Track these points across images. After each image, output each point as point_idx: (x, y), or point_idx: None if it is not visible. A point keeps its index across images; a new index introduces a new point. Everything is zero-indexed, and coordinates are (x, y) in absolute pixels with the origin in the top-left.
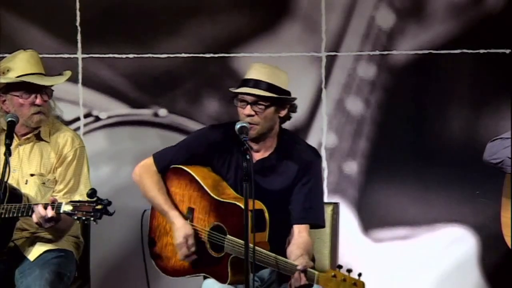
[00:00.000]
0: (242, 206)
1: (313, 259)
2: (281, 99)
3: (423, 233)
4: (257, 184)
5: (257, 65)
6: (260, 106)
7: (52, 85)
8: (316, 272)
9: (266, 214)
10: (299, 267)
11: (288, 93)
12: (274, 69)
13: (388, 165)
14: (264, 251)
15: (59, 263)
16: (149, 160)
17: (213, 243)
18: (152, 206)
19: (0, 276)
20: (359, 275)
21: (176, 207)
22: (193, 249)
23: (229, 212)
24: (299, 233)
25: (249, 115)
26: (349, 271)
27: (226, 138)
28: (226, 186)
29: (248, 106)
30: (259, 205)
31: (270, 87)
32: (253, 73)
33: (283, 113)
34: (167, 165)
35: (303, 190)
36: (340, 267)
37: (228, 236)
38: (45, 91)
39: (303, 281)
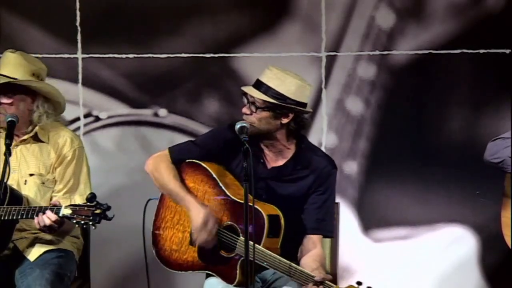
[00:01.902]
0: (261, 211)
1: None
2: (278, 104)
3: (423, 233)
4: (272, 190)
5: (269, 66)
6: (255, 107)
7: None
8: (334, 286)
9: (282, 221)
10: (316, 278)
11: (292, 101)
12: (282, 74)
13: (388, 165)
14: (278, 257)
15: (59, 263)
16: (164, 152)
17: (224, 243)
18: (163, 195)
19: (0, 276)
20: None
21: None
22: (214, 231)
23: (243, 213)
24: (313, 243)
25: (245, 113)
26: (359, 283)
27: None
28: (240, 186)
29: (248, 105)
30: (275, 210)
31: (265, 89)
32: (261, 75)
33: (284, 120)
34: (182, 159)
35: (318, 200)
36: (359, 283)
37: (241, 237)
38: (11, 94)
39: None
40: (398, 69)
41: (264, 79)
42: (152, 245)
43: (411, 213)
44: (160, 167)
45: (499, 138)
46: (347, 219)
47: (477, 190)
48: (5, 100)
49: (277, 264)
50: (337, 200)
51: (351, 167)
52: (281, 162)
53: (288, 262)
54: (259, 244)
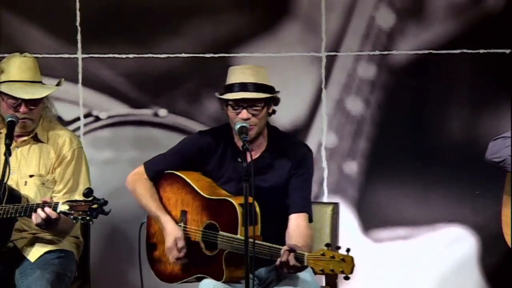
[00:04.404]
0: (232, 201)
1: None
2: (273, 97)
3: (423, 233)
4: (255, 184)
5: (238, 67)
6: (257, 108)
7: (28, 99)
8: (305, 253)
9: (257, 208)
10: (285, 247)
11: (272, 87)
12: (255, 68)
13: (388, 165)
14: (257, 241)
15: (60, 264)
16: (141, 169)
17: (207, 242)
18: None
19: (0, 276)
20: (347, 250)
21: (168, 212)
22: (183, 252)
23: (220, 208)
24: (297, 224)
25: (247, 119)
26: (338, 248)
27: (217, 142)
28: (218, 187)
29: (244, 110)
30: (249, 199)
31: (260, 87)
32: (238, 77)
33: (271, 109)
34: (158, 172)
35: (298, 182)
36: (328, 245)
37: (221, 232)
38: (32, 99)
39: (292, 262)
40: (398, 69)
41: (250, 79)
42: (148, 263)
43: (411, 213)
44: (137, 189)
45: (500, 137)
46: (347, 219)
47: (477, 190)
48: (32, 106)
49: (257, 249)
50: (337, 200)
51: (351, 167)
52: (256, 154)
53: (267, 244)
54: (236, 234)
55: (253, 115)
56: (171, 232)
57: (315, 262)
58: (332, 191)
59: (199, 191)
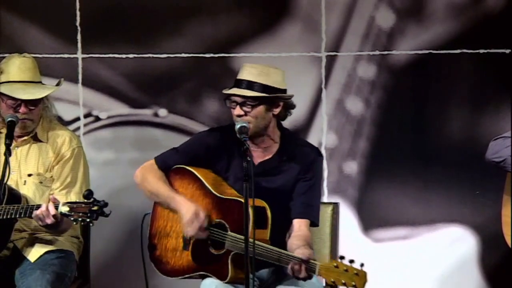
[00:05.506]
0: (243, 202)
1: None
2: (270, 97)
3: (423, 233)
4: (259, 184)
5: (247, 65)
6: (248, 106)
7: (28, 99)
8: (318, 263)
9: (268, 212)
10: (302, 257)
11: (280, 90)
12: (265, 68)
13: (388, 165)
14: (266, 245)
15: (59, 264)
16: (150, 162)
17: (214, 241)
18: (154, 207)
19: (0, 276)
20: (361, 265)
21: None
22: (205, 223)
23: (230, 208)
24: (299, 227)
25: (239, 115)
26: (351, 261)
27: (224, 141)
28: (227, 186)
29: (238, 107)
30: (261, 203)
31: (256, 86)
32: (243, 74)
33: (276, 111)
34: (168, 166)
35: (304, 186)
36: (342, 258)
37: (229, 232)
38: (32, 100)
39: (303, 273)
40: (398, 69)
41: (249, 77)
42: (149, 258)
43: (411, 213)
44: (147, 176)
45: (500, 137)
46: (347, 219)
47: (477, 190)
48: (32, 107)
49: (266, 253)
50: (337, 200)
51: (351, 167)
52: (267, 157)
53: (275, 248)
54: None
55: (246, 112)
56: (189, 207)
57: (327, 273)
58: (332, 191)
59: (210, 188)
